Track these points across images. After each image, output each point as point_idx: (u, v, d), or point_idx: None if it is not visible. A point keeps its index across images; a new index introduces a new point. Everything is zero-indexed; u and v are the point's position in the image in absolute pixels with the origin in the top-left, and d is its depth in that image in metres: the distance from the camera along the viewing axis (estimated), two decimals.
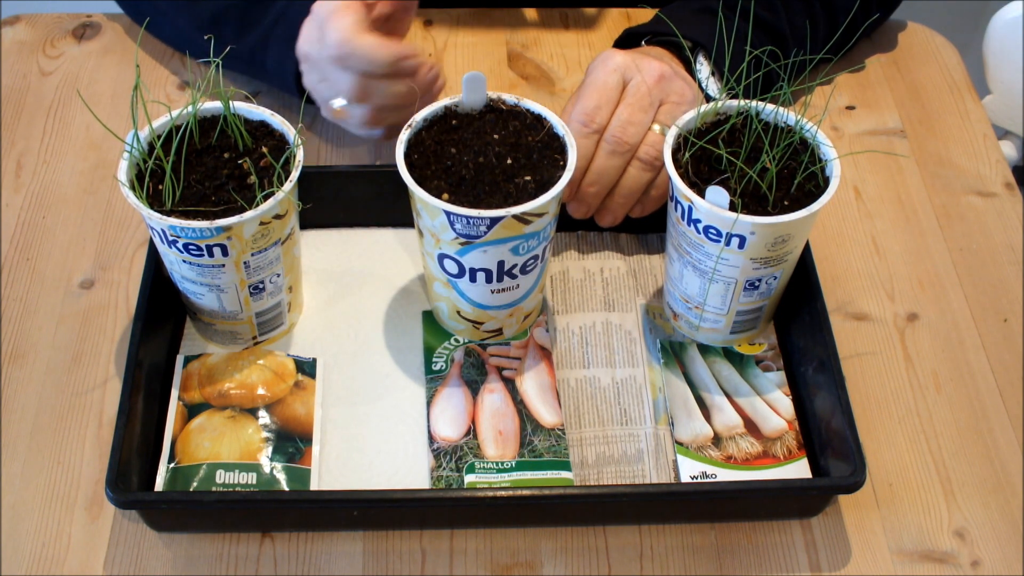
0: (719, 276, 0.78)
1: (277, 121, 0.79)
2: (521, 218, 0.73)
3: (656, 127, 0.83)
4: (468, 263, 0.77)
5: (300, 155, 0.76)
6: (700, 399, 0.81)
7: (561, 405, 0.81)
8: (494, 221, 0.73)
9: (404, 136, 0.77)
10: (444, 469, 0.77)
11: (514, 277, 0.78)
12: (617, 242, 0.91)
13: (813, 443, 0.79)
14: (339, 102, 0.86)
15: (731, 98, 0.80)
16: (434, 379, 0.82)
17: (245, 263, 0.76)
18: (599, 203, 0.86)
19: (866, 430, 0.82)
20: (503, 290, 0.79)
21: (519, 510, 0.76)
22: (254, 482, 0.76)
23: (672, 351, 0.84)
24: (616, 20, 1.12)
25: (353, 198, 0.90)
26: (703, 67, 0.91)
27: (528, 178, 0.76)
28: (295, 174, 0.75)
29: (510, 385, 0.82)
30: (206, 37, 0.86)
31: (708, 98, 0.90)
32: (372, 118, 0.87)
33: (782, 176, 0.77)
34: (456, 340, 0.84)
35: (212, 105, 0.78)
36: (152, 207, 0.73)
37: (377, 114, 0.87)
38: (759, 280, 0.79)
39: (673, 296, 0.84)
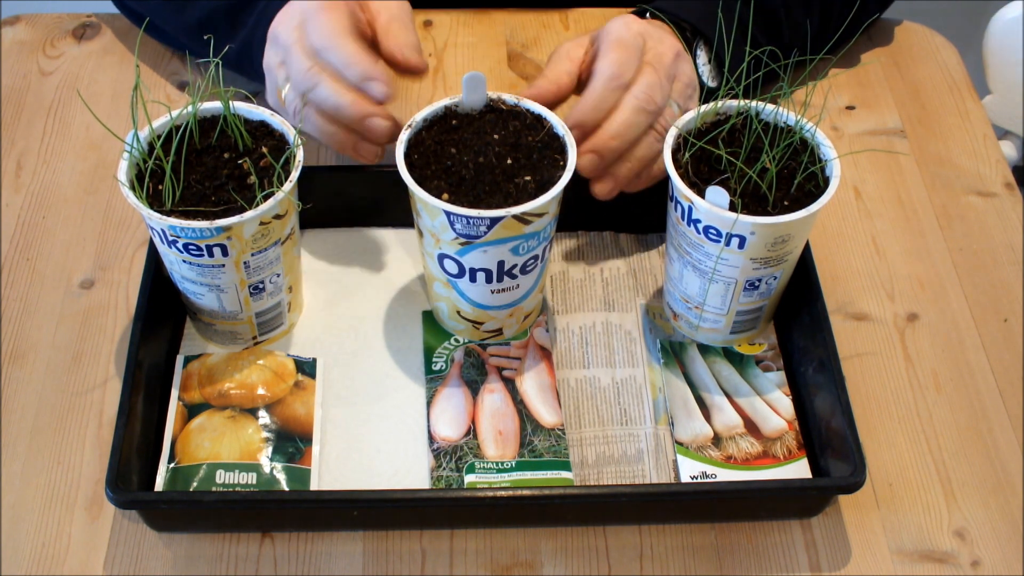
0: (719, 276, 0.78)
1: (277, 121, 0.79)
2: (521, 218, 0.73)
3: (673, 105, 0.83)
4: (468, 263, 0.77)
5: (300, 155, 0.76)
6: (700, 399, 0.81)
7: (561, 405, 0.81)
8: (494, 221, 0.73)
9: (404, 136, 0.77)
10: (444, 469, 0.77)
11: (514, 277, 0.78)
12: (617, 242, 0.91)
13: (813, 443, 0.79)
14: (287, 88, 0.84)
15: (731, 98, 0.80)
16: (434, 379, 0.82)
17: (245, 263, 0.76)
18: (616, 160, 0.82)
19: (866, 430, 0.82)
20: (503, 290, 0.79)
21: (519, 510, 0.76)
22: (254, 482, 0.76)
23: (672, 351, 0.84)
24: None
25: (353, 198, 0.90)
26: (701, 53, 0.90)
27: (528, 178, 0.76)
28: (295, 174, 0.75)
29: (510, 385, 0.82)
30: (206, 37, 0.86)
31: (704, 87, 0.89)
32: (304, 116, 0.84)
33: (782, 176, 0.77)
34: (456, 340, 0.84)
35: (212, 105, 0.78)
36: (152, 207, 0.73)
37: (312, 117, 0.84)
38: (759, 280, 0.79)
39: (673, 296, 0.84)
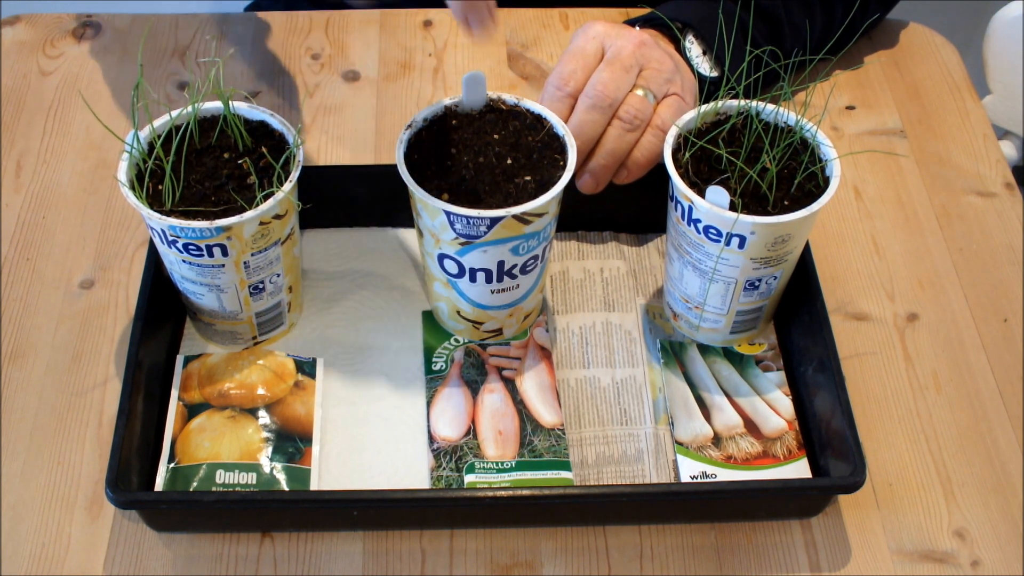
0: (719, 276, 0.78)
1: (277, 121, 0.79)
2: (521, 218, 0.73)
3: (639, 91, 0.83)
4: (468, 263, 0.77)
5: (300, 155, 0.76)
6: (700, 399, 0.81)
7: (561, 405, 0.81)
8: (494, 221, 0.73)
9: (404, 136, 0.77)
10: (444, 469, 0.77)
11: (514, 277, 0.78)
12: (617, 242, 0.91)
13: (813, 443, 0.79)
14: None
15: (731, 98, 0.80)
16: (434, 379, 0.82)
17: (245, 263, 0.76)
18: (587, 157, 0.84)
19: (866, 430, 0.82)
20: (503, 290, 0.79)
21: (519, 510, 0.76)
22: (254, 482, 0.76)
23: (672, 351, 0.84)
24: (616, 20, 1.11)
25: (353, 198, 0.90)
26: (693, 46, 0.91)
27: (528, 178, 0.76)
28: (295, 174, 0.75)
29: (510, 385, 0.82)
30: None
31: (699, 76, 0.90)
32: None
33: (782, 176, 0.77)
34: (456, 340, 0.84)
35: (212, 105, 0.78)
36: (152, 207, 0.73)
37: None
38: (759, 280, 0.79)
39: (673, 296, 0.84)
